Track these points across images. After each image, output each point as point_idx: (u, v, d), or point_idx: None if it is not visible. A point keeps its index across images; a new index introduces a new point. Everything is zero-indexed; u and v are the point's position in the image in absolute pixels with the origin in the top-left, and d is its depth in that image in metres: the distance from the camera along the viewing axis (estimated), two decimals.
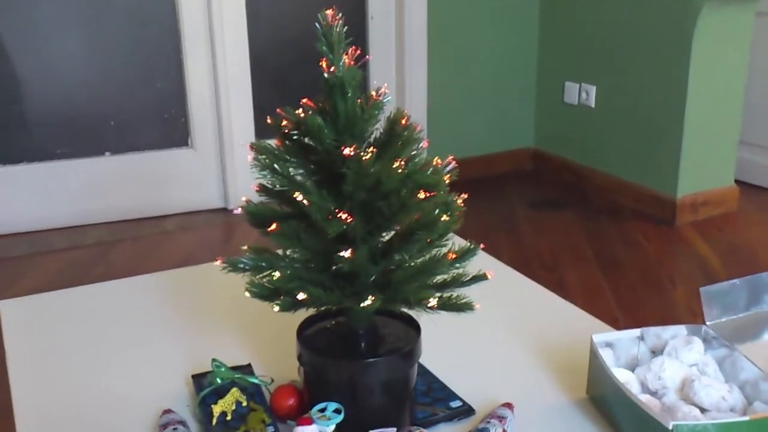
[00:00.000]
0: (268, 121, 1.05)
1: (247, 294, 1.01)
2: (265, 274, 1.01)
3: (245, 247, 1.02)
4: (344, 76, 0.99)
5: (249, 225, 1.04)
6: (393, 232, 1.02)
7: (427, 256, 1.02)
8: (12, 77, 2.88)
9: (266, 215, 1.03)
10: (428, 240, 1.00)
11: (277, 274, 0.98)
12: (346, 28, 0.98)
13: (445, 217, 0.99)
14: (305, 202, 0.95)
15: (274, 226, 0.97)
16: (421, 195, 0.98)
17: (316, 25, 0.97)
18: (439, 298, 1.01)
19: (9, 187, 2.95)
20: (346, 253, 0.95)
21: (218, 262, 1.00)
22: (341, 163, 0.97)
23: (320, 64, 0.97)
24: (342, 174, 0.98)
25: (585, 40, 3.30)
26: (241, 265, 1.00)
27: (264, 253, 1.01)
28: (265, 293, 1.01)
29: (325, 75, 0.99)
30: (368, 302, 0.99)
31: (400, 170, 0.98)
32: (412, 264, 1.02)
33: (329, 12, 0.96)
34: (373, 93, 1.02)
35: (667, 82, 2.92)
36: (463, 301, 1.02)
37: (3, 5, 2.79)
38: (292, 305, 1.00)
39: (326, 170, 1.01)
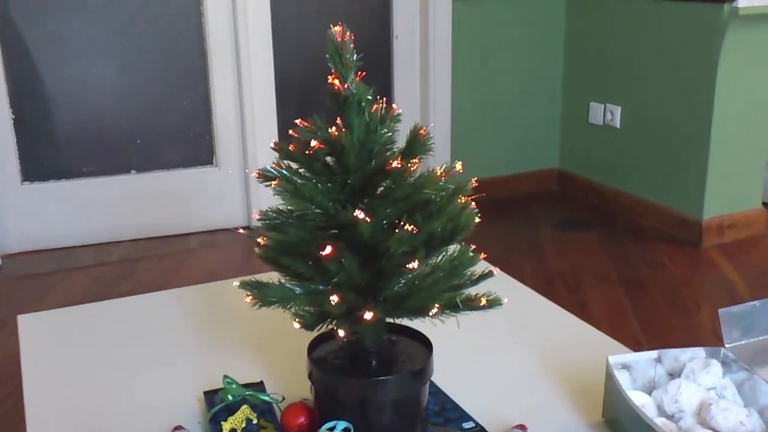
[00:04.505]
0: (272, 145, 1.05)
1: (296, 326, 1.01)
2: (288, 303, 1.01)
3: (236, 284, 1.02)
4: (359, 90, 1.00)
5: (274, 254, 1.03)
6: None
7: (452, 259, 1.02)
8: (41, 96, 2.93)
9: (291, 243, 1.02)
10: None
11: (335, 298, 0.98)
12: (353, 46, 0.98)
13: (477, 219, 1.00)
14: (368, 219, 0.95)
15: (329, 250, 0.97)
16: (462, 200, 1.00)
17: (329, 40, 0.98)
18: (486, 297, 1.01)
19: (37, 204, 2.99)
20: (413, 264, 0.96)
21: (249, 299, 1.00)
22: (375, 177, 0.98)
23: (330, 81, 0.98)
24: (365, 189, 0.98)
25: (610, 61, 3.28)
26: (272, 299, 1.01)
27: (271, 285, 1.01)
28: (312, 322, 1.01)
29: (339, 91, 1.00)
30: (435, 311, 1.00)
31: (443, 178, 0.99)
32: (434, 269, 1.02)
33: (338, 29, 0.96)
34: (394, 106, 1.03)
35: (692, 103, 2.89)
36: (492, 297, 1.02)
37: (32, 25, 2.84)
38: (352, 326, 1.01)
39: (349, 188, 1.01)
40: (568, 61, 3.55)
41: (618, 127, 3.29)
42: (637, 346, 1.92)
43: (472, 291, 1.02)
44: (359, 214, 0.95)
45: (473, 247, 1.02)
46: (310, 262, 1.01)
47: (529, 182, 3.65)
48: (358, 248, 0.99)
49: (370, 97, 1.01)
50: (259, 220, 1.04)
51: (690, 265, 2.72)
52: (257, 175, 1.02)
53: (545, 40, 3.54)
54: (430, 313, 1.00)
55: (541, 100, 3.61)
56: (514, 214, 3.33)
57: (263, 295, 1.00)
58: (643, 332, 2.24)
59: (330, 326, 1.04)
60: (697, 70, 2.85)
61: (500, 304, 1.02)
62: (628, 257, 2.83)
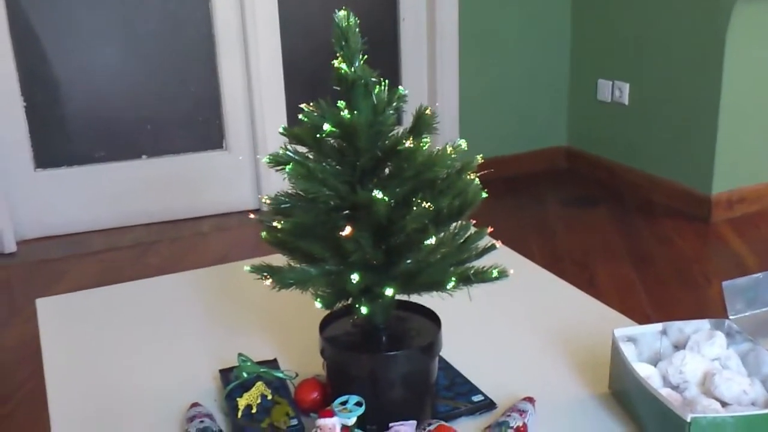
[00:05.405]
0: (281, 130, 1.07)
1: (318, 305, 1.03)
2: (305, 284, 1.03)
3: (247, 268, 1.05)
4: (364, 72, 1.02)
5: (286, 237, 1.04)
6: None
7: (458, 234, 1.04)
8: (51, 83, 2.95)
9: (307, 225, 1.05)
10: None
11: (356, 276, 1.00)
12: (358, 29, 1.00)
13: (484, 195, 1.03)
14: (385, 198, 0.98)
15: (349, 230, 0.99)
16: (472, 176, 1.03)
17: (334, 24, 1.00)
18: (495, 269, 1.04)
19: (49, 191, 3.02)
20: (431, 240, 0.99)
21: (268, 282, 1.02)
22: (384, 157, 1.01)
23: (336, 63, 1.00)
24: (375, 169, 1.01)
25: (618, 38, 3.28)
26: (290, 281, 1.03)
27: (285, 268, 1.04)
28: (331, 301, 1.04)
29: (346, 75, 1.01)
30: (452, 284, 1.02)
31: (453, 155, 1.02)
32: (441, 244, 1.04)
33: (343, 13, 0.98)
34: (400, 87, 1.05)
35: (701, 78, 2.89)
36: (500, 268, 1.04)
37: (42, 13, 2.86)
38: (372, 303, 1.03)
39: (359, 169, 1.03)
40: (575, 38, 3.54)
41: (626, 103, 3.28)
42: (645, 320, 1.93)
43: (479, 264, 1.05)
44: (378, 193, 0.97)
45: (474, 222, 1.04)
46: (324, 244, 1.03)
47: (538, 160, 3.66)
48: (370, 228, 1.01)
49: (374, 79, 1.03)
50: (269, 205, 1.06)
51: (699, 240, 2.73)
52: (269, 160, 1.04)
53: (552, 17, 3.53)
54: (448, 287, 1.03)
55: (549, 77, 3.60)
56: (523, 193, 3.34)
57: (281, 277, 1.03)
58: (653, 307, 2.26)
59: (346, 304, 1.07)
60: (705, 46, 2.85)
61: (507, 276, 1.05)
62: (637, 233, 2.84)
